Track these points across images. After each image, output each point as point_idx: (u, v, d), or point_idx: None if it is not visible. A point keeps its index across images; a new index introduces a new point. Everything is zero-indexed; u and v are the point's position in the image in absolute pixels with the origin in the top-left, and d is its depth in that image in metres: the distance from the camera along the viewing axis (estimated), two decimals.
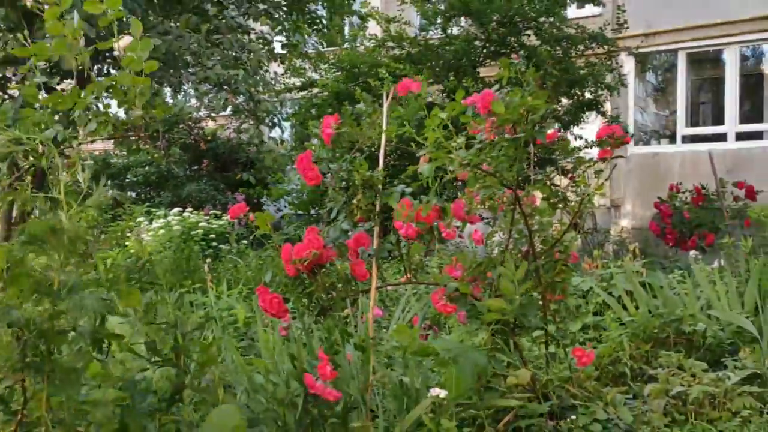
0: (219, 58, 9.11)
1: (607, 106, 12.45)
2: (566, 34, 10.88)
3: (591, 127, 12.36)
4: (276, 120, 10.33)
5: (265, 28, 10.77)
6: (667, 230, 9.70)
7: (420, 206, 2.87)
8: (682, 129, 13.93)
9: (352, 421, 2.73)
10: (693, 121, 14.46)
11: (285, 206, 12.11)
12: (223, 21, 9.49)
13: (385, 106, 3.21)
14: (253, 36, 10.51)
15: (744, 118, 13.56)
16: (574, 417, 3.08)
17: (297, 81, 12.65)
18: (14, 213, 7.35)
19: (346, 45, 12.68)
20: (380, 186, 3.01)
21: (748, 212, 5.98)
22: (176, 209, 10.07)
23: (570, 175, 9.11)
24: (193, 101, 11.98)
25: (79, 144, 2.83)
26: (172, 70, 9.06)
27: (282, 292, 3.06)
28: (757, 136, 13.32)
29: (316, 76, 12.26)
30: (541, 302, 3.29)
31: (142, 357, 2.26)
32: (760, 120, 13.92)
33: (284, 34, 11.23)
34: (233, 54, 9.42)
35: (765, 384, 3.64)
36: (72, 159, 2.56)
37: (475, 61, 11.08)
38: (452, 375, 2.82)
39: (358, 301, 4.07)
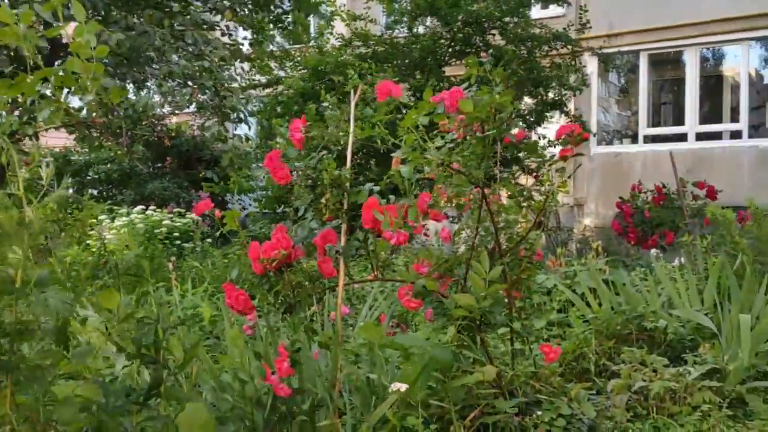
0: (183, 53, 9.02)
1: (571, 106, 12.59)
2: (531, 33, 10.97)
3: (554, 126, 12.50)
4: (242, 116, 10.25)
5: (231, 24, 10.68)
6: (629, 229, 9.83)
7: (395, 206, 2.88)
8: (644, 129, 14.15)
9: (320, 419, 2.72)
10: (654, 122, 14.69)
11: (250, 204, 12.02)
12: (188, 17, 9.39)
13: (352, 105, 3.21)
14: (218, 33, 10.41)
15: (704, 119, 13.82)
16: (539, 412, 3.12)
17: (263, 78, 12.57)
18: None
19: (312, 43, 12.64)
20: (348, 184, 3.01)
21: (707, 211, 6.11)
22: (139, 207, 9.94)
23: (534, 174, 9.18)
24: (157, 98, 11.83)
25: (36, 134, 2.77)
26: (135, 67, 8.95)
27: (248, 289, 3.04)
28: (717, 136, 13.58)
29: (282, 73, 12.20)
30: (506, 299, 3.32)
31: (124, 352, 2.22)
32: (719, 121, 14.19)
33: (250, 31, 11.15)
34: (198, 50, 9.32)
35: (724, 379, 3.72)
36: (31, 155, 2.50)
37: (441, 60, 11.12)
38: (416, 370, 2.83)
39: (325, 299, 4.07)
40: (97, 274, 6.39)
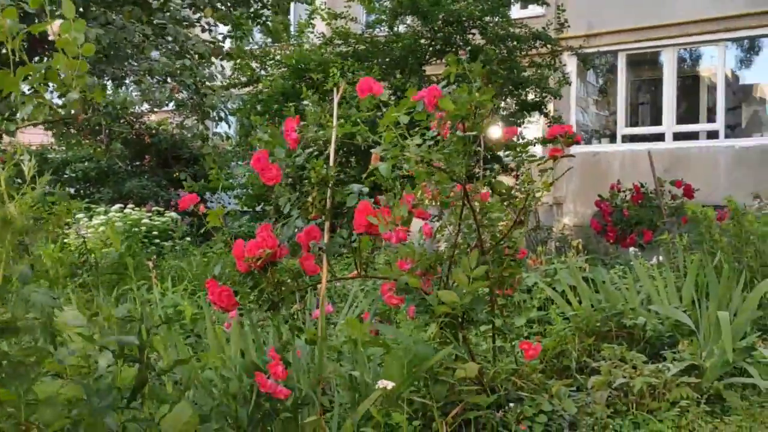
0: (164, 50, 8.96)
1: (550, 107, 12.66)
2: (511, 33, 11.01)
3: (533, 126, 12.57)
4: (222, 114, 10.19)
5: (212, 20, 10.62)
6: (608, 227, 9.92)
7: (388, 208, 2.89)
8: (622, 129, 14.26)
9: (304, 416, 2.73)
10: (632, 121, 14.81)
11: (230, 202, 11.95)
12: (167, 14, 9.33)
13: (335, 102, 3.21)
14: (198, 30, 10.35)
15: (681, 119, 13.95)
16: (520, 409, 3.14)
17: (242, 77, 12.49)
18: None
19: (292, 41, 12.59)
20: (332, 182, 3.01)
21: (687, 209, 6.18)
22: (117, 206, 9.85)
23: (514, 173, 9.21)
24: (136, 95, 11.71)
25: (16, 130, 2.74)
26: (115, 63, 8.88)
27: (230, 286, 3.03)
28: (693, 136, 13.72)
29: (262, 72, 12.14)
30: (489, 297, 3.34)
31: (107, 350, 2.21)
32: (696, 121, 14.33)
33: (229, 28, 11.09)
34: (178, 46, 9.26)
35: (702, 375, 3.77)
36: (10, 152, 2.48)
37: (422, 59, 11.13)
38: (400, 367, 2.84)
39: (307, 297, 4.07)
40: (76, 272, 6.34)
